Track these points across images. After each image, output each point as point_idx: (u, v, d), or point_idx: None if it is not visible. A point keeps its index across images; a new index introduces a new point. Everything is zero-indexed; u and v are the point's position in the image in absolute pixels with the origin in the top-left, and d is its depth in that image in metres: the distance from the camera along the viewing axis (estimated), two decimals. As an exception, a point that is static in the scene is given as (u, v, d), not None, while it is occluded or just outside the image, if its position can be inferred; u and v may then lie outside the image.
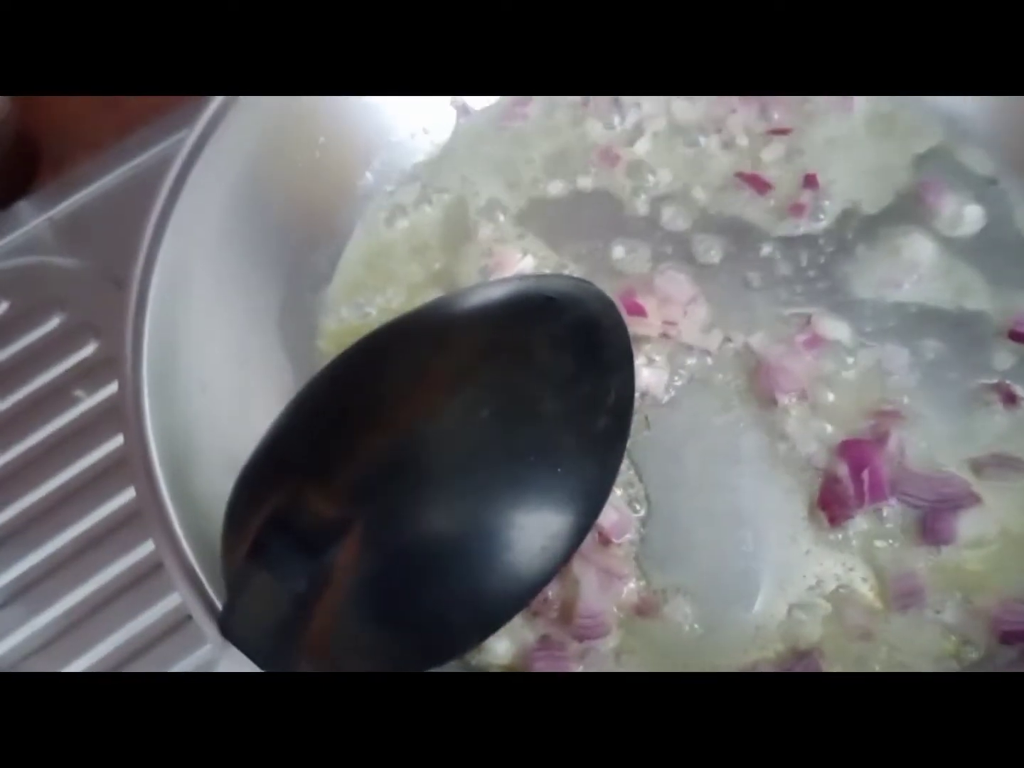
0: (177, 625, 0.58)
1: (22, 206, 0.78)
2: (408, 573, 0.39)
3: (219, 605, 0.42)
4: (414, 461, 0.40)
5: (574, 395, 0.43)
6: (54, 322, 0.72)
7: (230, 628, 0.38)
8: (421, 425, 0.41)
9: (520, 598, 0.40)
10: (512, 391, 0.42)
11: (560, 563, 0.41)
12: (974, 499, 0.48)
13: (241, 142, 0.56)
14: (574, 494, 0.41)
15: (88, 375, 0.70)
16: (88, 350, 0.71)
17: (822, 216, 0.58)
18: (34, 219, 0.78)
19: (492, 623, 0.40)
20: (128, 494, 0.62)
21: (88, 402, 0.68)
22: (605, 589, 0.48)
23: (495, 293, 0.47)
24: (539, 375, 0.43)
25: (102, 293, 0.73)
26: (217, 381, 0.52)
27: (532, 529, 0.40)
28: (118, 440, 0.65)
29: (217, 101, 0.54)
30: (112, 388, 0.68)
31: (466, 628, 0.40)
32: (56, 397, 0.68)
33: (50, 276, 0.75)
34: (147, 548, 0.60)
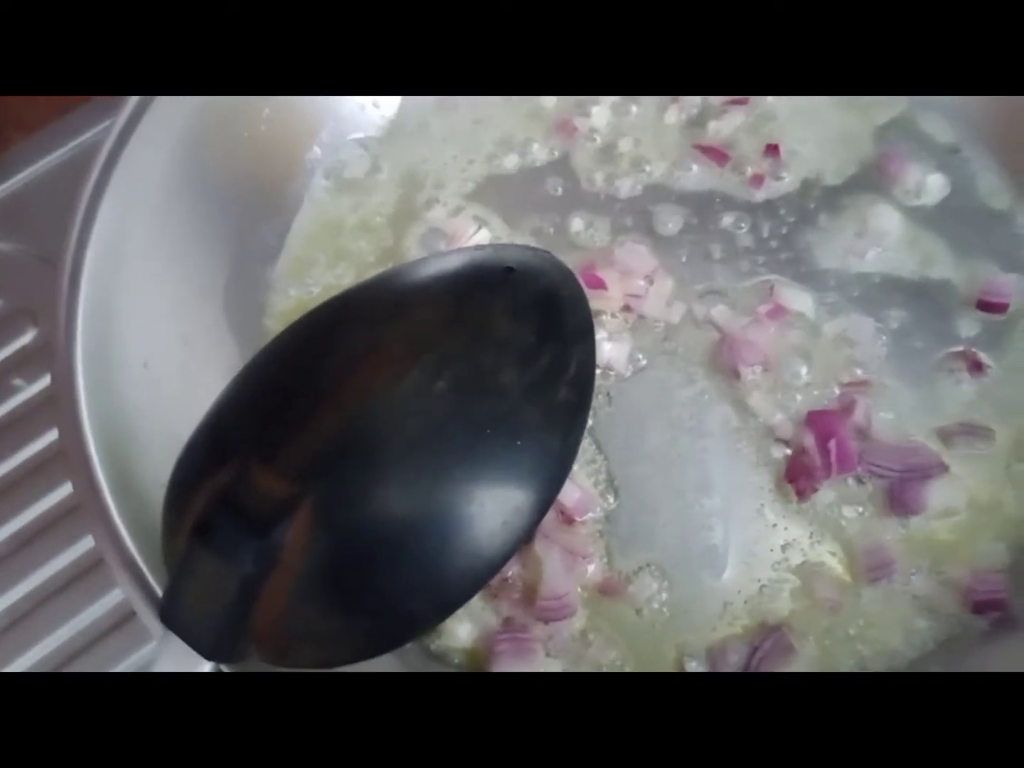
0: (121, 622, 0.55)
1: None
2: (361, 553, 0.37)
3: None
4: (366, 436, 0.38)
5: (534, 367, 0.41)
6: (-8, 309, 0.69)
7: (172, 616, 0.36)
8: (374, 398, 0.39)
9: (480, 577, 0.39)
10: (469, 363, 0.40)
11: (521, 539, 0.39)
12: (942, 468, 0.48)
13: (179, 115, 0.53)
14: (535, 468, 0.39)
15: (26, 362, 0.67)
16: (27, 337, 0.68)
17: (783, 186, 0.56)
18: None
19: (451, 604, 0.38)
20: (68, 488, 0.59)
21: (27, 391, 0.65)
22: (569, 569, 0.47)
23: (451, 263, 0.45)
24: (498, 346, 0.41)
25: (40, 277, 0.70)
26: (159, 361, 0.49)
27: (492, 504, 0.38)
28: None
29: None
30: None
31: (424, 610, 0.38)
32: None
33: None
34: (87, 543, 0.57)
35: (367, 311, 0.43)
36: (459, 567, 0.38)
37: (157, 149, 0.52)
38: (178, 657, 0.36)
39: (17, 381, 0.66)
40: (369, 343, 0.41)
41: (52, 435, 0.63)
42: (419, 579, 0.37)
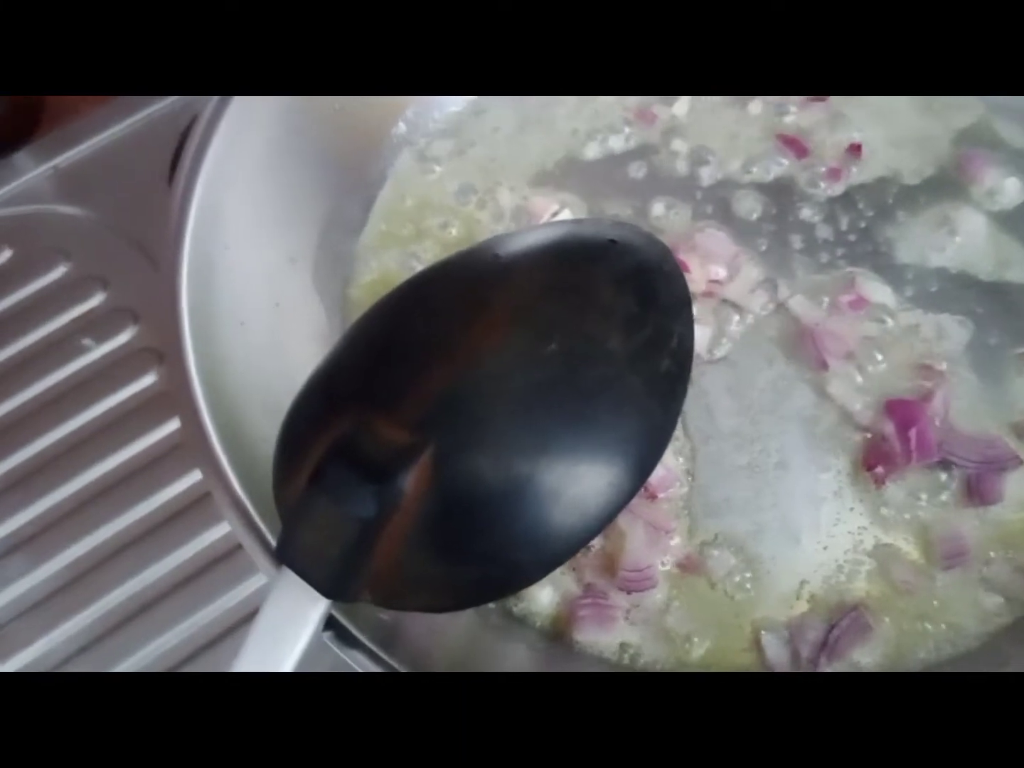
0: (226, 555, 0.56)
1: (21, 156, 0.76)
2: (476, 502, 0.37)
3: (267, 535, 0.41)
4: (482, 392, 0.39)
5: (638, 336, 0.42)
6: (59, 271, 0.70)
7: (290, 556, 0.37)
8: (485, 358, 0.40)
9: (585, 534, 0.39)
10: (577, 328, 0.41)
11: (623, 502, 0.40)
12: (1018, 461, 0.49)
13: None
14: (639, 434, 0.40)
15: (95, 324, 0.68)
16: (95, 300, 0.69)
17: (860, 182, 0.57)
18: (36, 168, 0.75)
19: (555, 558, 0.39)
20: (147, 433, 0.61)
21: (97, 351, 0.67)
22: (652, 543, 0.48)
23: (554, 233, 0.46)
24: (603, 314, 0.42)
25: (107, 243, 0.72)
26: (254, 321, 0.50)
27: (598, 465, 0.39)
28: (129, 386, 0.64)
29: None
30: (122, 338, 0.67)
31: (530, 561, 0.38)
32: (64, 345, 0.66)
33: (53, 225, 0.73)
34: (192, 479, 0.59)
35: (473, 276, 0.44)
36: (565, 523, 0.38)
37: (253, 119, 0.53)
38: (291, 594, 0.36)
39: (87, 341, 0.67)
40: (477, 307, 0.42)
41: (121, 394, 0.64)
42: (527, 532, 0.38)
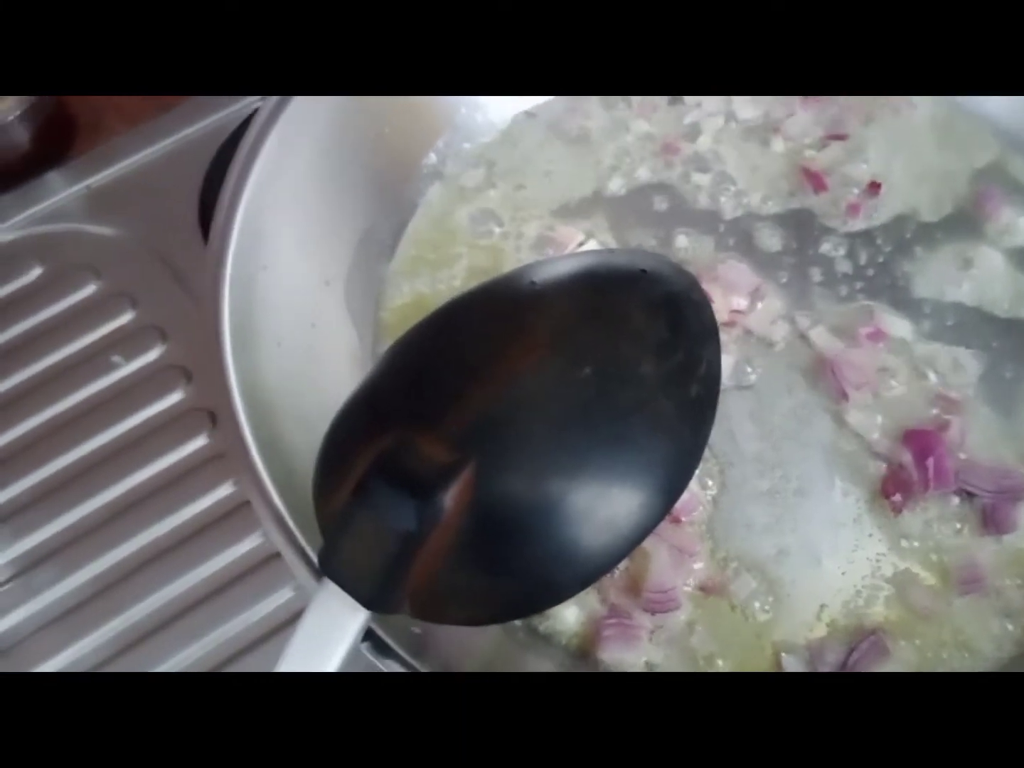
0: (264, 563, 0.57)
1: (54, 175, 0.78)
2: (515, 520, 0.39)
3: (304, 545, 0.42)
4: (520, 413, 0.40)
5: (670, 361, 0.43)
6: (90, 288, 0.72)
7: (332, 567, 0.38)
8: (522, 380, 0.41)
9: (617, 553, 0.41)
10: (611, 352, 0.42)
11: (655, 523, 0.41)
12: (1033, 492, 0.50)
13: (316, 113, 0.56)
14: (670, 456, 0.42)
15: (124, 342, 0.69)
16: (125, 318, 0.70)
17: (879, 218, 0.59)
18: (68, 188, 0.77)
19: (589, 576, 0.40)
20: (180, 445, 0.62)
21: (126, 368, 0.68)
22: (677, 565, 0.49)
23: (586, 261, 0.48)
24: (636, 339, 0.43)
25: (138, 262, 0.73)
26: (290, 341, 0.52)
27: (631, 486, 0.40)
28: (157, 403, 0.65)
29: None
30: (151, 356, 0.68)
31: (564, 579, 0.40)
32: (94, 361, 0.68)
33: (84, 244, 0.74)
34: (227, 489, 0.60)
35: (510, 301, 0.45)
36: (599, 542, 0.40)
37: (294, 143, 0.55)
38: (332, 605, 0.38)
39: (116, 358, 0.68)
40: (515, 329, 0.43)
41: (151, 409, 0.65)
42: (562, 549, 0.39)
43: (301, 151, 0.55)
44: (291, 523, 0.43)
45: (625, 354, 0.43)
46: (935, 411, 0.52)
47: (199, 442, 0.63)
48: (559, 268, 0.47)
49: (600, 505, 0.40)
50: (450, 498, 0.38)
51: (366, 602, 0.37)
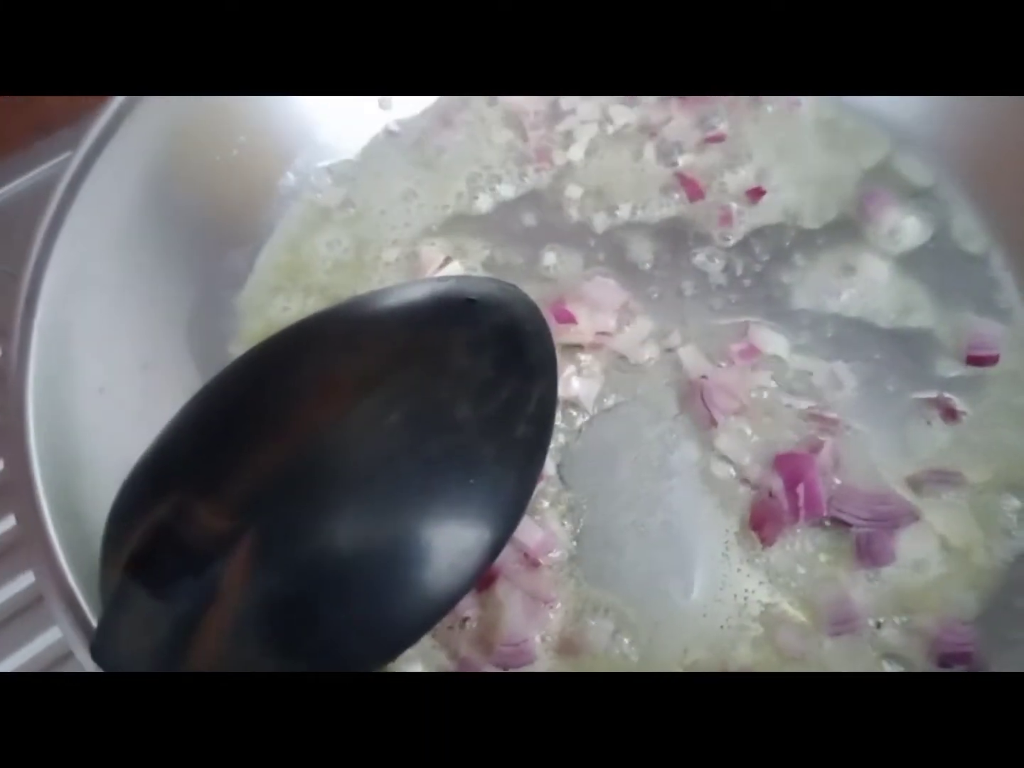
0: (57, 663, 0.53)
1: None
2: (303, 591, 0.35)
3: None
4: (314, 470, 0.37)
5: (492, 401, 0.40)
6: None
7: (104, 652, 0.35)
8: (323, 431, 0.38)
9: (428, 619, 0.37)
10: (425, 396, 0.39)
11: (472, 581, 0.38)
12: (912, 517, 0.47)
13: (148, 140, 0.53)
14: (488, 506, 0.38)
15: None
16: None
17: (758, 225, 0.56)
18: None
19: (395, 647, 0.37)
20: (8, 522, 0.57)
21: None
22: (531, 615, 0.45)
23: (413, 294, 0.44)
24: (454, 380, 0.40)
25: (8, 294, 0.69)
26: (117, 387, 0.48)
27: (441, 543, 0.37)
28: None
29: (118, 101, 0.51)
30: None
31: (367, 652, 0.36)
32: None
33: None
34: (28, 579, 0.55)
35: (321, 342, 0.42)
36: (406, 608, 0.36)
37: (123, 173, 0.52)
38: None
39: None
40: (321, 375, 0.40)
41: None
42: (363, 620, 0.36)
43: (132, 178, 0.52)
44: (91, 617, 0.39)
45: (440, 397, 0.39)
46: (810, 432, 0.49)
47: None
48: (381, 302, 0.44)
49: (403, 568, 0.36)
50: (227, 572, 0.34)
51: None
